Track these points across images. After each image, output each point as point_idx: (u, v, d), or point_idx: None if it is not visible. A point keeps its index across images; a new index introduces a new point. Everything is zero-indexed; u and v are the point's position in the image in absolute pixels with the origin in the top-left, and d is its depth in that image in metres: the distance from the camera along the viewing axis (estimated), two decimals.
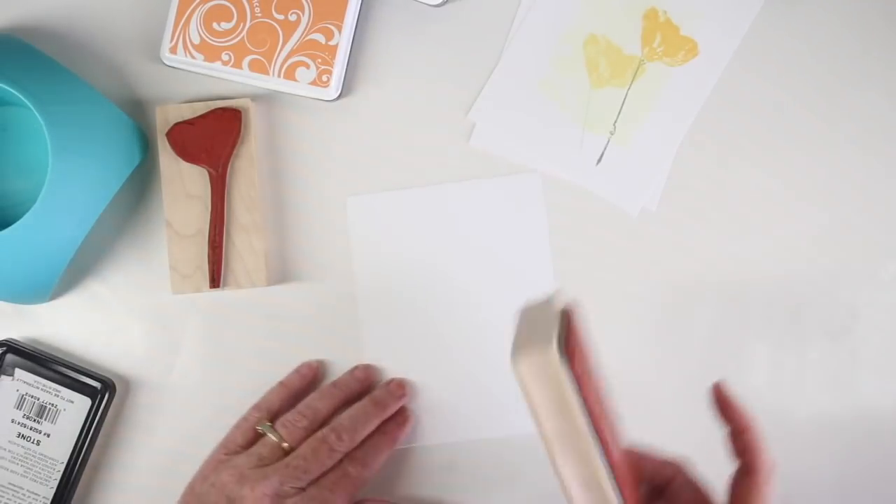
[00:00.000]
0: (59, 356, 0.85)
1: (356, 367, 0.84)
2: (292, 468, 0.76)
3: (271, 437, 0.79)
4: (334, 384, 0.83)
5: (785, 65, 0.87)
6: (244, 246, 0.84)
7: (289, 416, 0.80)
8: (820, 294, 0.86)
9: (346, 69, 0.86)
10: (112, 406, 0.84)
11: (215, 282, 0.84)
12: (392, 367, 0.84)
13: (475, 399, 0.83)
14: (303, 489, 0.76)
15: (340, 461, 0.78)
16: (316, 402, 0.81)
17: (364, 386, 0.83)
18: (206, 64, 0.85)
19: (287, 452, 0.78)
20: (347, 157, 0.87)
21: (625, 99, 0.87)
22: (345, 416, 0.80)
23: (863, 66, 0.87)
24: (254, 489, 0.75)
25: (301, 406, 0.81)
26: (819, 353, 0.85)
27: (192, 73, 0.86)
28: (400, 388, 0.82)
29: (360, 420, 0.80)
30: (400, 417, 0.83)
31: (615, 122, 0.87)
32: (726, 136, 0.87)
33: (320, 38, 0.85)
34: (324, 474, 0.78)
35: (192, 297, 0.85)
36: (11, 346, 0.84)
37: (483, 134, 0.87)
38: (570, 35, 0.87)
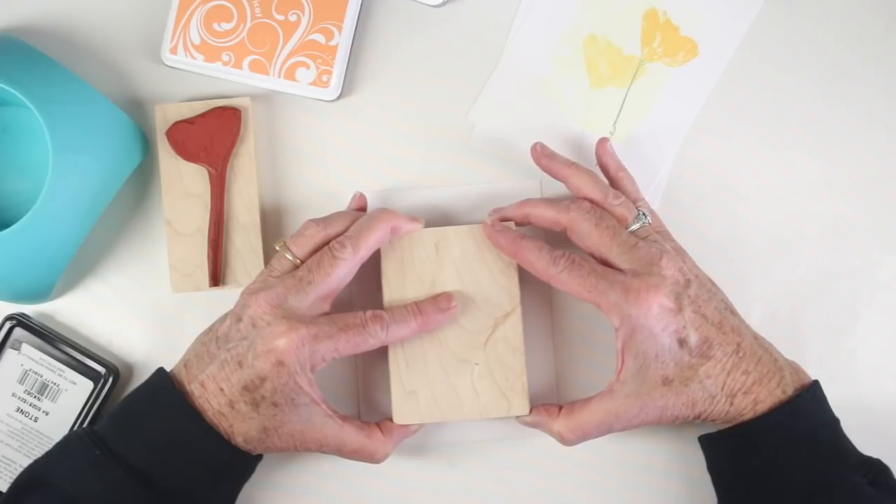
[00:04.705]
0: (69, 337, 0.85)
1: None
2: (297, 279, 0.77)
3: (283, 252, 0.79)
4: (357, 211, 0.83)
5: (784, 65, 0.87)
6: (244, 244, 0.84)
7: (300, 229, 0.80)
8: (820, 294, 0.86)
9: (347, 69, 0.86)
10: (112, 394, 0.84)
11: (215, 280, 0.84)
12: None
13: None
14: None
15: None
16: (332, 217, 0.81)
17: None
18: (207, 64, 0.85)
19: (298, 266, 0.78)
20: (347, 157, 0.87)
21: (625, 99, 0.87)
22: (352, 227, 0.79)
23: (862, 65, 0.87)
24: (257, 298, 0.76)
25: (315, 218, 0.80)
26: (819, 353, 0.85)
27: (192, 74, 0.86)
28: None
29: (363, 227, 0.79)
30: (443, 302, 0.81)
31: (615, 122, 0.87)
32: (726, 136, 0.87)
33: (320, 38, 0.85)
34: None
35: (193, 296, 0.85)
36: (21, 321, 0.84)
37: (483, 134, 0.87)
38: (570, 35, 0.87)
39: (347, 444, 0.78)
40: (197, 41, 0.85)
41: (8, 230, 0.77)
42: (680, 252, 0.79)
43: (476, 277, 0.80)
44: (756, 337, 0.78)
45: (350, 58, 0.86)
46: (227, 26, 0.85)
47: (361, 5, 0.86)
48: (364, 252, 0.78)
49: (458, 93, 0.87)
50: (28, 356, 0.84)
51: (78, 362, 0.84)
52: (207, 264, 0.84)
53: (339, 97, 0.86)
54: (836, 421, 0.77)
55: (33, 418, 0.84)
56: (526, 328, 0.81)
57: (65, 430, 0.83)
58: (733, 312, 0.78)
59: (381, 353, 0.81)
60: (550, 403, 0.80)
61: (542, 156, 0.82)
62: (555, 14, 0.87)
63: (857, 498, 0.73)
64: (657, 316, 0.74)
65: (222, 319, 0.78)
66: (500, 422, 0.83)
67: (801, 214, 0.86)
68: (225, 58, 0.85)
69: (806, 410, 0.76)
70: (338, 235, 0.79)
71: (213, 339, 0.77)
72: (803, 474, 0.74)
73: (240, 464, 0.77)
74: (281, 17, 0.85)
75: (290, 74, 0.85)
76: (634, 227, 0.78)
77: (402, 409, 0.80)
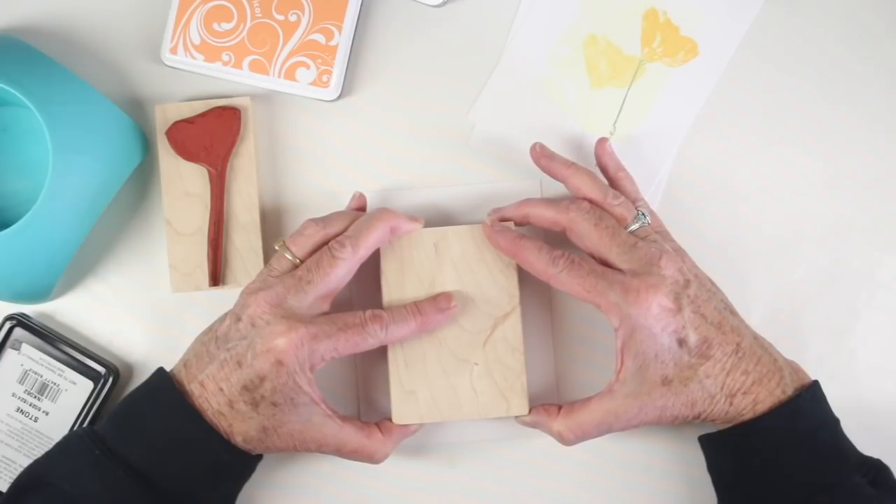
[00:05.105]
0: (69, 337, 0.85)
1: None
2: (296, 278, 0.77)
3: (283, 252, 0.79)
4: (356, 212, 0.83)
5: (784, 65, 0.87)
6: (243, 244, 0.84)
7: (299, 229, 0.80)
8: (820, 294, 0.86)
9: (347, 69, 0.86)
10: (112, 394, 0.84)
11: (215, 280, 0.84)
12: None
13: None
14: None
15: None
16: (332, 217, 0.81)
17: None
18: (207, 64, 0.85)
19: (297, 266, 0.78)
20: (347, 157, 0.87)
21: (625, 99, 0.87)
22: (352, 226, 0.79)
23: (862, 65, 0.87)
24: (256, 297, 0.76)
25: (315, 218, 0.80)
26: (819, 353, 0.85)
27: (192, 74, 0.86)
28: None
29: (363, 227, 0.79)
30: (442, 302, 0.81)
31: (615, 122, 0.87)
32: (726, 136, 0.87)
33: (320, 38, 0.85)
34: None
35: (192, 296, 0.85)
36: (21, 321, 0.84)
37: (483, 134, 0.87)
38: (570, 35, 0.87)
39: (347, 444, 0.78)
40: (197, 41, 0.85)
41: (8, 230, 0.77)
42: (679, 252, 0.79)
43: (476, 277, 0.80)
44: (756, 337, 0.78)
45: (350, 58, 0.86)
46: (227, 26, 0.85)
47: (361, 5, 0.86)
48: (363, 252, 0.78)
49: (458, 93, 0.87)
50: (28, 356, 0.84)
51: (78, 362, 0.84)
52: (207, 264, 0.84)
53: (339, 97, 0.86)
54: (836, 421, 0.77)
55: (33, 418, 0.84)
56: (525, 328, 0.81)
57: (65, 430, 0.83)
58: (733, 312, 0.78)
59: (381, 354, 0.81)
60: (550, 403, 0.80)
61: (542, 156, 0.82)
62: (555, 14, 0.87)
63: (857, 498, 0.73)
64: (656, 316, 0.74)
65: (222, 319, 0.78)
66: (500, 422, 0.83)
67: (801, 214, 0.86)
68: (225, 58, 0.85)
69: (806, 410, 0.76)
70: (337, 235, 0.79)
71: (212, 339, 0.77)
72: (803, 474, 0.74)
73: (240, 463, 0.77)
74: (281, 17, 0.85)
75: (290, 74, 0.85)
76: (634, 227, 0.78)
77: (402, 409, 0.80)
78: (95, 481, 0.73)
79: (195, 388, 0.75)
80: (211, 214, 0.84)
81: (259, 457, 0.79)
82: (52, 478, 0.74)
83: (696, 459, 0.81)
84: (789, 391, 0.76)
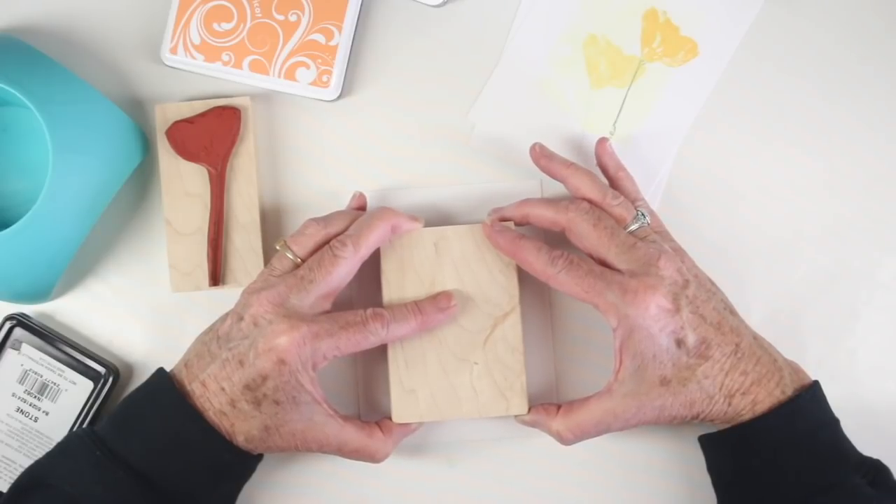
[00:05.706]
0: (69, 337, 0.85)
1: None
2: (298, 278, 0.77)
3: (284, 251, 0.79)
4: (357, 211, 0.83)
5: (784, 65, 0.87)
6: (243, 244, 0.84)
7: (300, 229, 0.80)
8: (820, 294, 0.86)
9: (347, 69, 0.86)
10: (112, 394, 0.84)
11: (215, 280, 0.84)
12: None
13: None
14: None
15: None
16: (333, 216, 0.81)
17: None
18: (207, 64, 0.85)
19: (299, 265, 0.78)
20: (347, 157, 0.87)
21: (625, 99, 0.87)
22: (353, 226, 0.79)
23: (861, 66, 0.87)
24: (258, 297, 0.76)
25: (316, 217, 0.80)
26: (819, 353, 0.85)
27: (192, 74, 0.86)
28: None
29: (364, 226, 0.79)
30: (442, 301, 0.81)
31: (615, 122, 0.87)
32: (726, 136, 0.87)
33: (320, 38, 0.85)
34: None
35: (192, 296, 0.85)
36: (21, 321, 0.84)
37: (483, 134, 0.87)
38: (570, 35, 0.87)
39: (348, 443, 0.78)
40: (197, 41, 0.85)
41: (8, 230, 0.77)
42: (679, 252, 0.79)
43: (475, 277, 0.80)
44: (755, 337, 0.78)
45: (350, 58, 0.86)
46: (227, 26, 0.85)
47: (361, 5, 0.86)
48: (364, 251, 0.78)
49: (458, 93, 0.87)
50: (28, 356, 0.84)
51: (78, 362, 0.84)
52: (207, 264, 0.84)
53: (339, 97, 0.86)
54: (836, 421, 0.77)
55: (33, 418, 0.84)
56: (525, 328, 0.81)
57: (65, 430, 0.83)
58: (732, 313, 0.78)
59: (381, 353, 0.82)
60: (549, 403, 0.80)
61: (541, 156, 0.82)
62: (555, 14, 0.87)
63: (856, 498, 0.73)
64: (655, 316, 0.74)
65: (223, 319, 0.78)
66: (500, 421, 0.83)
67: (801, 214, 0.86)
68: (225, 58, 0.85)
69: (805, 411, 0.76)
70: (338, 234, 0.79)
71: (213, 339, 0.77)
72: (803, 475, 0.74)
73: (240, 464, 0.77)
74: (281, 17, 0.85)
75: (290, 74, 0.85)
76: (633, 227, 0.78)
77: (402, 408, 0.80)
78: (96, 482, 0.73)
79: (196, 387, 0.75)
80: (211, 214, 0.84)
81: (259, 457, 0.79)
82: (52, 478, 0.74)
83: (696, 459, 0.81)
84: (789, 391, 0.76)
